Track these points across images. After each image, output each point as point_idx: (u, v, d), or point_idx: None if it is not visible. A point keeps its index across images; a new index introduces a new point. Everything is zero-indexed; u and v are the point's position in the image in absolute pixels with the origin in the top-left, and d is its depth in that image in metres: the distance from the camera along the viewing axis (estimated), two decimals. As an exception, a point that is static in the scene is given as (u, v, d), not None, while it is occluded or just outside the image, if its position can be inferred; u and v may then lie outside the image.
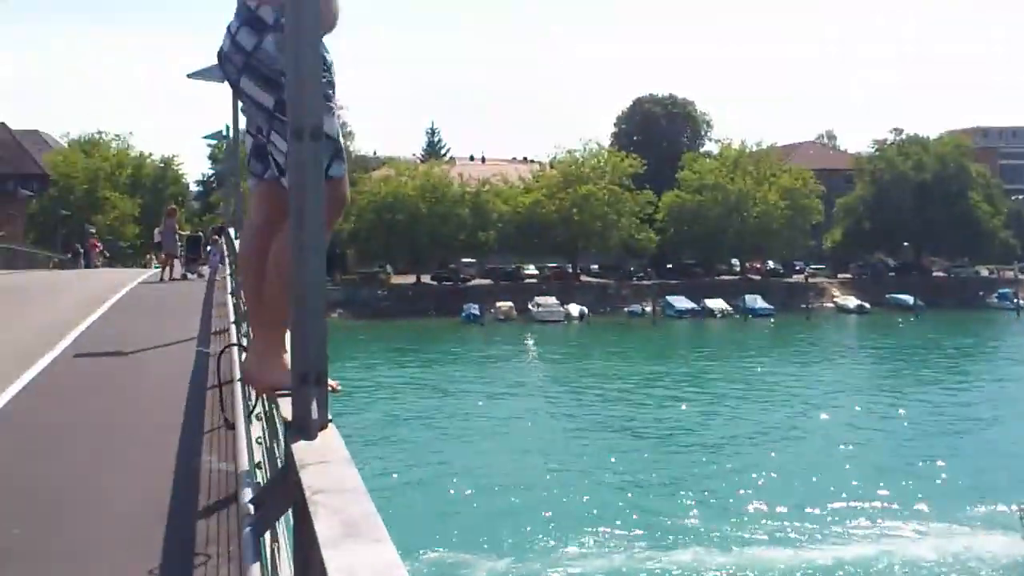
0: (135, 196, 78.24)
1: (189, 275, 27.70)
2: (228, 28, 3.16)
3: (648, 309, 74.20)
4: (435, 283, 79.03)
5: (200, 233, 32.80)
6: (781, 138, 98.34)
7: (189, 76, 17.98)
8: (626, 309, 75.39)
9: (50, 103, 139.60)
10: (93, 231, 44.51)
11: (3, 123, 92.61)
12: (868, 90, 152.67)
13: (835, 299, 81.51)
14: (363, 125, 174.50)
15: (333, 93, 3.23)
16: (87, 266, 42.60)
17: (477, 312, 69.88)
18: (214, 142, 46.13)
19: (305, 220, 2.18)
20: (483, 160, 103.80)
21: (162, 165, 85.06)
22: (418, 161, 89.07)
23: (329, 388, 2.27)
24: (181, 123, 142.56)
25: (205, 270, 28.55)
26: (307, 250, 2.21)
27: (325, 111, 2.95)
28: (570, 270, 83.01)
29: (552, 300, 72.72)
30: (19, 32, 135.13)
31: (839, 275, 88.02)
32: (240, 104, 3.27)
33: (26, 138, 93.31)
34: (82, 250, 49.44)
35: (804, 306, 76.12)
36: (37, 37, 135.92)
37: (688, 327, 70.08)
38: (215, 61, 3.31)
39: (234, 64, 3.15)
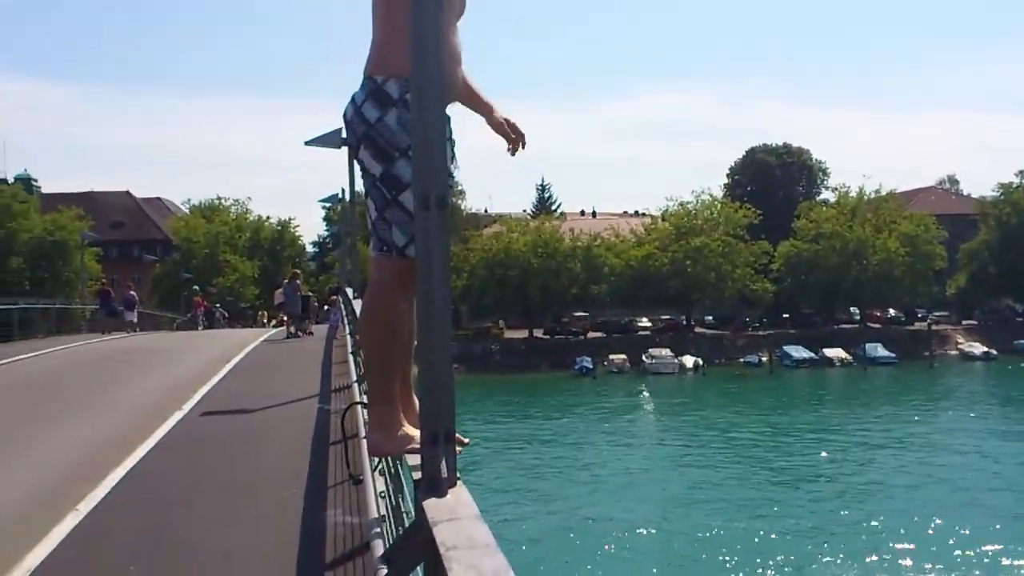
0: (254, 258, 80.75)
1: (299, 334, 28.38)
2: (353, 98, 3.31)
3: (764, 359, 72.85)
4: (547, 337, 79.12)
5: (309, 294, 33.66)
6: (901, 184, 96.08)
7: (307, 143, 18.70)
8: (742, 360, 74.17)
9: (172, 171, 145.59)
10: (196, 288, 45.63)
11: (127, 191, 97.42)
12: (991, 133, 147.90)
13: (960, 346, 78.71)
14: (474, 183, 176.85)
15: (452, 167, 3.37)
16: (202, 326, 43.91)
17: (590, 365, 69.64)
18: (330, 205, 47.49)
19: (432, 284, 2.27)
20: (594, 214, 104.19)
21: (279, 228, 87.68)
22: (529, 217, 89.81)
23: (457, 444, 2.34)
24: (298, 187, 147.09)
25: (312, 328, 29.55)
26: (433, 313, 2.29)
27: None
28: (684, 322, 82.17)
29: (666, 352, 72.01)
30: (141, 102, 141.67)
31: (964, 322, 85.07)
32: (360, 172, 3.42)
33: (149, 205, 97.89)
34: (206, 310, 51.31)
35: (927, 354, 73.66)
36: (158, 106, 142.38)
37: (806, 377, 68.45)
38: (328, 128, 3.48)
39: (355, 133, 3.29)
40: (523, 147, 3.53)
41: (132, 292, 39.20)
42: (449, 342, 2.31)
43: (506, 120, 3.47)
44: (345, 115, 3.35)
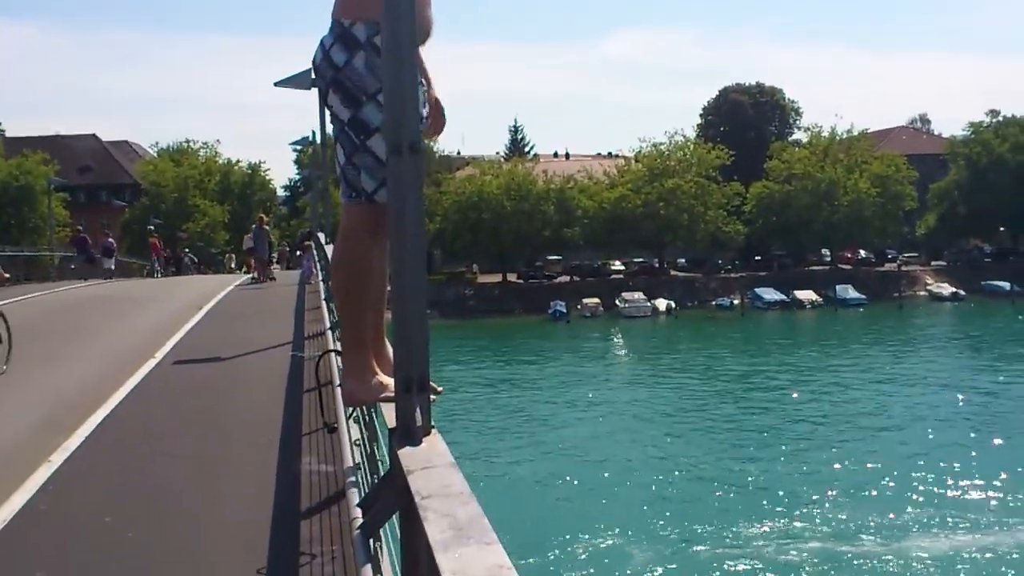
0: (224, 203, 79.92)
1: (262, 279, 28.43)
2: (322, 42, 3.25)
3: (736, 302, 73.33)
4: (521, 281, 79.19)
5: (271, 240, 33.48)
6: (873, 124, 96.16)
7: (276, 84, 18.38)
8: (714, 302, 74.58)
9: (139, 114, 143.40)
10: (151, 229, 44.18)
11: (94, 135, 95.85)
12: (963, 73, 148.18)
13: (929, 287, 79.39)
14: (447, 125, 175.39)
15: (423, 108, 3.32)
16: (160, 273, 43.02)
17: (563, 309, 69.85)
18: (300, 148, 47.03)
19: (405, 231, 2.24)
20: (567, 156, 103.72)
21: (249, 171, 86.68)
22: (502, 159, 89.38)
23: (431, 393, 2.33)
24: (267, 129, 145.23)
25: (275, 273, 29.85)
26: (407, 261, 2.27)
27: (380, 130, 3.05)
28: (657, 265, 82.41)
29: (639, 295, 72.31)
30: (106, 46, 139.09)
31: (933, 263, 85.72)
32: (329, 116, 3.38)
33: (117, 149, 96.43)
34: (172, 255, 50.80)
35: (897, 295, 74.36)
36: (124, 50, 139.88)
37: (777, 319, 69.05)
38: (298, 68, 3.43)
39: (324, 78, 3.24)
40: (438, 134, 3.52)
41: (110, 239, 38.84)
42: (423, 289, 2.29)
43: (436, 100, 3.43)
44: (314, 60, 3.29)
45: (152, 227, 47.52)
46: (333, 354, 6.39)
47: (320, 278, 17.08)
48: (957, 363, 47.59)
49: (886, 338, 56.48)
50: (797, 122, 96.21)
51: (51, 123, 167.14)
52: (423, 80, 3.28)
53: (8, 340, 11.00)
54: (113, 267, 36.99)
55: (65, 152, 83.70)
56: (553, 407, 38.40)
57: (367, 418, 4.70)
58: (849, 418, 34.65)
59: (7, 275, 27.04)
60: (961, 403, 36.88)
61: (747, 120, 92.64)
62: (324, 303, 12.63)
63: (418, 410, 2.27)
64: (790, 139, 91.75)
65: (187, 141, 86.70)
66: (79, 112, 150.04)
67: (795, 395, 39.74)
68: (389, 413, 2.63)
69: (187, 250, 57.18)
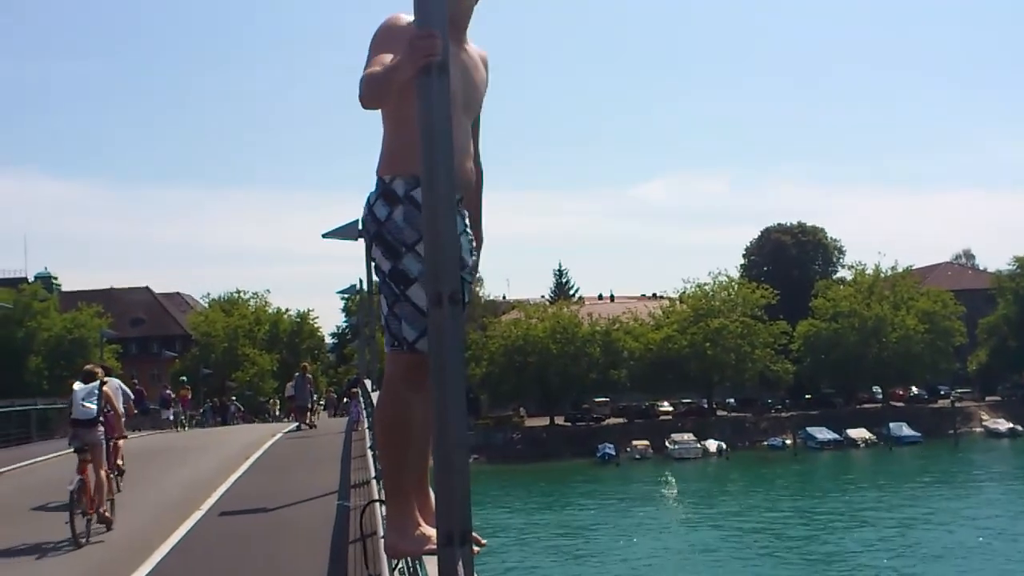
0: (272, 351, 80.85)
1: (301, 426, 28.70)
2: (368, 198, 3.35)
3: (788, 442, 72.00)
4: (569, 424, 78.50)
5: (311, 389, 33.74)
6: (916, 260, 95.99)
7: (324, 235, 18.82)
8: (766, 443, 73.28)
9: (192, 265, 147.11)
10: (184, 379, 43.83)
11: (147, 287, 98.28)
12: (1005, 207, 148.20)
13: (984, 423, 77.60)
14: (492, 269, 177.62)
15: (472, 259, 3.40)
16: (184, 425, 41.83)
17: (612, 452, 68.91)
18: (348, 296, 47.71)
19: (446, 381, 2.23)
20: (612, 298, 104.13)
21: (298, 320, 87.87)
22: (547, 303, 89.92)
23: (475, 548, 2.27)
24: (316, 278, 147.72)
25: (316, 421, 30.25)
26: (448, 410, 2.25)
27: (421, 279, 3.12)
28: (705, 405, 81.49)
29: (689, 436, 71.28)
30: (161, 197, 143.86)
31: (987, 398, 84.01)
32: (374, 268, 3.45)
33: (169, 300, 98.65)
34: (218, 405, 51.15)
35: (952, 432, 72.60)
36: (177, 204, 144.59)
37: (831, 459, 67.50)
38: (345, 220, 3.54)
39: (368, 232, 3.34)
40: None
41: (168, 391, 39.44)
42: (465, 440, 2.27)
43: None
44: (363, 215, 3.41)
45: (184, 378, 47.68)
46: (377, 504, 6.31)
47: (366, 425, 17.05)
48: (1020, 502, 45.99)
49: (944, 477, 54.90)
50: (840, 260, 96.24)
51: (106, 276, 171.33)
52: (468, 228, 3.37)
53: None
54: (172, 417, 37.50)
55: (118, 305, 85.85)
56: (605, 553, 37.47)
57: (411, 570, 4.59)
58: (912, 561, 33.43)
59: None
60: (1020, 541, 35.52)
61: (790, 259, 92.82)
62: (369, 451, 12.56)
63: (460, 563, 2.22)
64: (834, 277, 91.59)
65: (237, 291, 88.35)
66: (134, 265, 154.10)
67: (855, 538, 38.49)
68: (432, 566, 2.57)
69: (233, 399, 57.67)
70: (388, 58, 2.99)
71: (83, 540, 10.25)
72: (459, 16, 3.25)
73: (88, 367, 12.65)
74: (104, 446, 11.67)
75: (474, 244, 3.49)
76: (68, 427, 12.03)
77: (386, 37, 3.16)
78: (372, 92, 3.00)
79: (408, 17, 3.19)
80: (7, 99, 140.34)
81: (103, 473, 11.39)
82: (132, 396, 15.71)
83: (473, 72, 3.35)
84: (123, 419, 13.60)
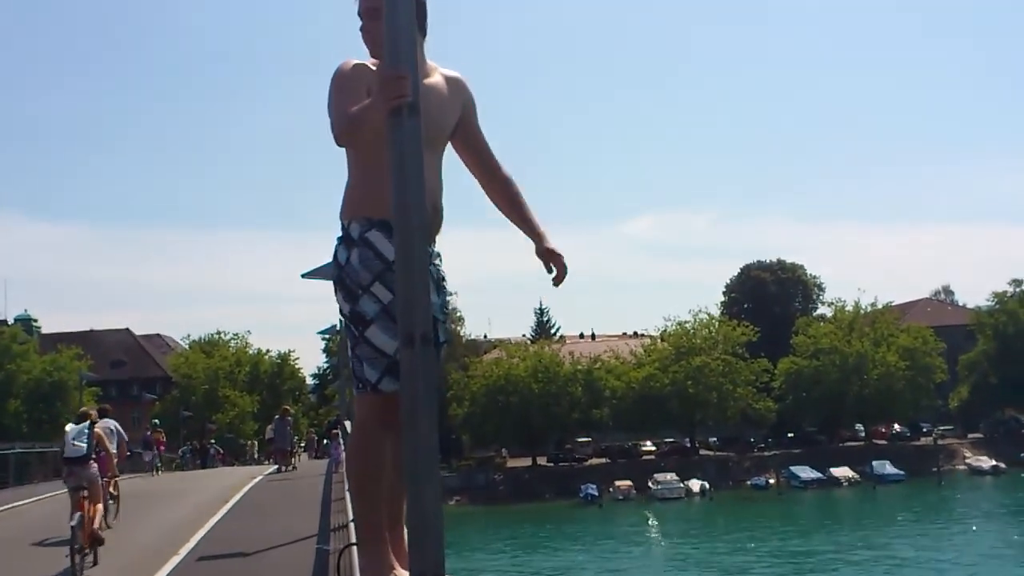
0: (253, 392, 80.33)
1: (282, 468, 28.90)
2: (335, 244, 3.36)
3: (772, 481, 71.86)
4: (551, 464, 78.18)
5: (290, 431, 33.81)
6: (896, 297, 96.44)
7: (303, 276, 18.75)
8: (749, 482, 73.12)
9: (172, 307, 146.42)
10: (156, 423, 43.66)
11: (127, 329, 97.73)
12: (983, 243, 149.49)
13: (968, 460, 77.73)
14: (473, 309, 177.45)
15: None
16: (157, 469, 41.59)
17: (595, 492, 68.58)
18: (328, 336, 47.48)
19: (418, 424, 2.21)
20: (593, 337, 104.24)
21: (279, 361, 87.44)
22: (528, 342, 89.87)
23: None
24: (296, 319, 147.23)
25: (296, 463, 31.20)
26: (420, 452, 2.23)
27: (378, 320, 3.14)
28: (688, 444, 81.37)
29: (672, 476, 71.05)
30: (141, 239, 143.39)
31: (969, 435, 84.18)
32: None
33: (149, 342, 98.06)
34: (198, 448, 50.68)
35: (935, 469, 72.60)
36: (158, 243, 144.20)
37: (815, 498, 67.36)
38: (324, 260, 3.57)
39: (333, 277, 3.35)
40: (563, 278, 3.56)
41: (149, 433, 39.08)
42: (437, 482, 2.25)
43: (550, 250, 3.50)
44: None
45: (156, 421, 47.25)
46: (355, 547, 6.24)
47: (345, 468, 16.92)
48: (1006, 540, 45.95)
49: (929, 516, 54.82)
50: (820, 297, 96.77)
51: (86, 318, 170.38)
52: None
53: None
54: (153, 459, 36.96)
55: (99, 347, 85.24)
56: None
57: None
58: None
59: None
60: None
61: (770, 296, 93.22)
62: (348, 494, 12.45)
63: (434, 608, 2.19)
64: (815, 314, 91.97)
65: (218, 332, 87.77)
66: (114, 306, 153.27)
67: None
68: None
69: (212, 441, 57.22)
70: (357, 96, 3.00)
71: (82, 571, 10.78)
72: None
73: (83, 409, 13.49)
74: (100, 483, 12.39)
75: (444, 283, 3.50)
76: (62, 466, 12.60)
77: (349, 78, 3.17)
78: (344, 132, 3.01)
79: (355, 61, 3.24)
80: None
81: (100, 507, 12.12)
82: (127, 437, 16.29)
83: (433, 99, 3.31)
84: (115, 459, 14.37)
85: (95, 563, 11.43)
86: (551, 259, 3.48)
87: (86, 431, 12.19)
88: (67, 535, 10.96)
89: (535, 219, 3.59)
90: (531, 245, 3.56)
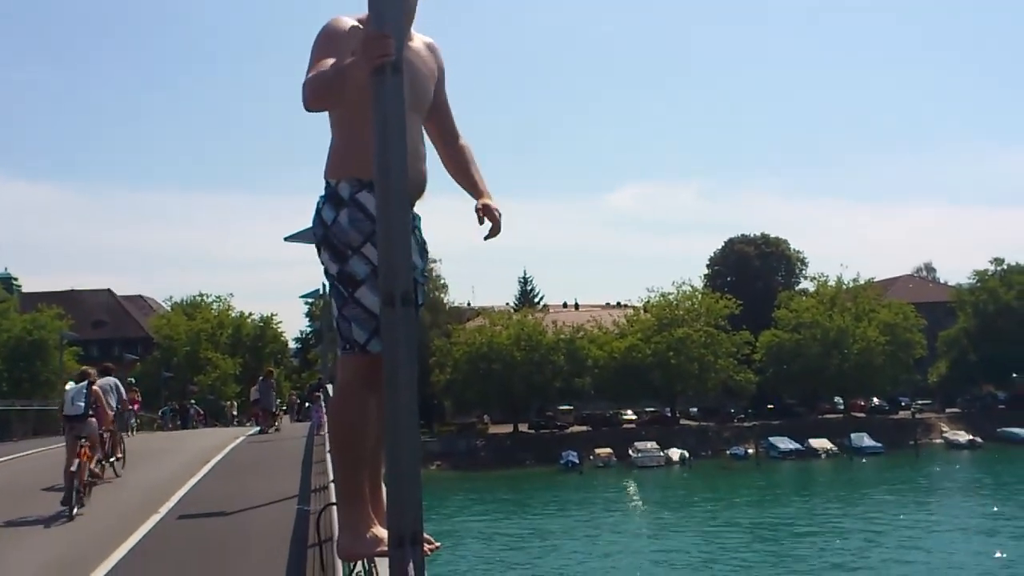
0: (236, 355, 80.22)
1: (267, 430, 28.97)
2: (317, 203, 3.34)
3: (751, 451, 72.43)
4: (533, 431, 78.55)
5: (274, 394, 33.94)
6: (878, 273, 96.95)
7: (286, 239, 18.69)
8: (728, 452, 73.65)
9: (154, 269, 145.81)
10: (132, 381, 43.22)
11: (109, 290, 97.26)
12: (965, 222, 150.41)
13: (945, 435, 78.46)
14: (457, 276, 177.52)
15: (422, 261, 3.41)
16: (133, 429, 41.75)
17: (576, 459, 69.00)
18: (311, 300, 47.43)
19: (398, 384, 2.23)
20: (576, 307, 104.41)
21: (261, 324, 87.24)
22: (512, 310, 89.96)
23: (427, 549, 2.28)
24: (279, 283, 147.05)
25: (280, 425, 31.24)
26: (400, 412, 2.25)
27: (368, 281, 3.12)
28: (669, 414, 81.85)
29: (652, 445, 71.52)
30: (122, 203, 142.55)
31: (947, 410, 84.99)
32: (323, 273, 3.43)
33: (131, 303, 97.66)
34: (178, 408, 50.57)
35: (913, 443, 73.30)
36: (140, 208, 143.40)
37: (793, 468, 67.96)
38: (307, 224, 3.52)
39: (316, 236, 3.33)
40: (495, 235, 3.50)
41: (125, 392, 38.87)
42: (417, 442, 2.27)
43: (486, 206, 3.45)
44: (312, 220, 3.39)
45: (132, 380, 46.82)
46: (334, 507, 6.28)
47: (326, 430, 16.97)
48: (981, 511, 46.53)
49: (906, 488, 55.40)
50: (803, 272, 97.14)
51: (67, 279, 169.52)
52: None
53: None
54: (127, 418, 36.87)
55: (79, 307, 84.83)
56: (566, 560, 37.48)
57: (367, 572, 4.58)
58: (873, 568, 33.71)
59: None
60: (990, 553, 35.92)
61: (754, 270, 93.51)
62: (329, 455, 12.51)
63: (411, 565, 2.22)
64: (797, 288, 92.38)
65: (200, 295, 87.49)
66: (95, 268, 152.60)
67: (818, 546, 38.76)
68: (385, 567, 2.57)
69: (193, 402, 57.11)
70: (331, 61, 2.97)
71: (76, 511, 11.97)
72: (406, 11, 3.22)
73: (82, 368, 15.02)
74: (97, 435, 13.81)
75: (425, 246, 3.50)
76: (63, 422, 13.76)
77: (329, 39, 3.14)
78: (318, 94, 2.97)
79: (350, 20, 3.19)
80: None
81: (96, 458, 13.82)
82: (130, 392, 18.51)
83: (420, 67, 3.32)
84: (111, 412, 15.37)
85: (82, 505, 12.40)
86: (487, 213, 3.42)
87: (84, 390, 13.40)
88: (59, 483, 12.19)
89: (482, 182, 3.58)
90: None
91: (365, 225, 3.15)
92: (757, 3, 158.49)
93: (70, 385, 13.78)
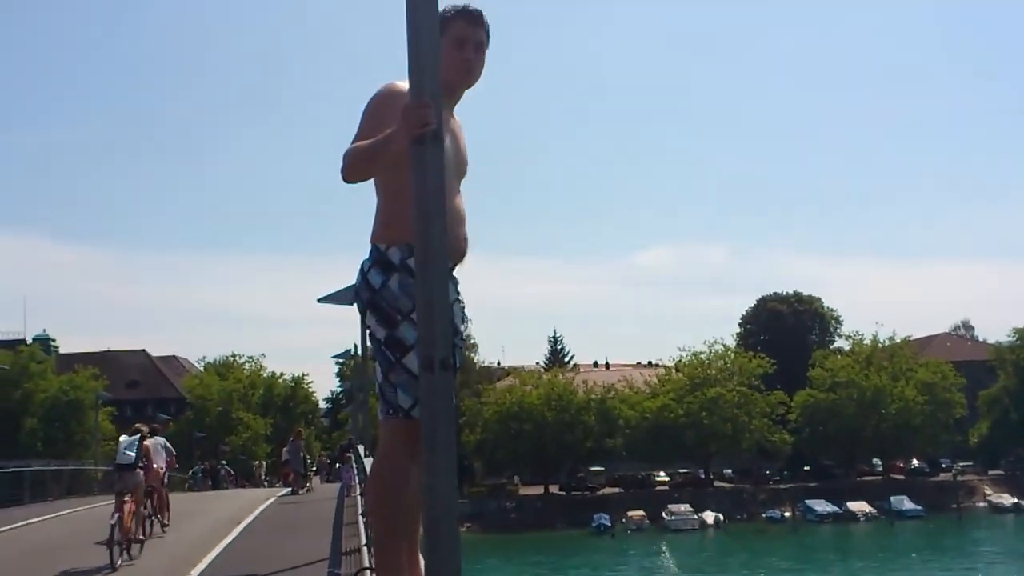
0: (267, 415, 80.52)
1: (298, 491, 28.90)
2: (361, 266, 3.37)
3: (787, 514, 71.29)
4: (564, 493, 77.83)
5: (305, 455, 34.17)
6: (915, 331, 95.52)
7: (319, 300, 18.86)
8: (764, 515, 72.57)
9: (188, 329, 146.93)
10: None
11: (144, 350, 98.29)
12: (1004, 279, 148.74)
13: (988, 497, 76.96)
14: (486, 336, 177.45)
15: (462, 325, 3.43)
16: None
17: (608, 522, 68.21)
18: (342, 360, 47.55)
19: (437, 449, 2.22)
20: (607, 366, 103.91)
21: (292, 384, 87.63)
22: (542, 370, 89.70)
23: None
24: (311, 343, 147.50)
25: (312, 485, 31.57)
26: (439, 476, 2.24)
27: (416, 347, 3.12)
28: (702, 476, 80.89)
29: (686, 507, 70.58)
30: (158, 261, 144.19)
31: (990, 471, 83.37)
32: (368, 336, 3.45)
33: (165, 364, 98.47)
34: (209, 468, 50.72)
35: (955, 506, 71.90)
36: (175, 268, 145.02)
37: (831, 532, 66.78)
38: (340, 285, 3.57)
39: (362, 299, 3.35)
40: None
41: None
42: (455, 507, 2.26)
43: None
44: (355, 285, 3.43)
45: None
46: (368, 572, 6.24)
47: (358, 491, 16.90)
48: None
49: (949, 552, 54.24)
50: (838, 330, 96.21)
51: (104, 339, 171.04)
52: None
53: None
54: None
55: (115, 367, 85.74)
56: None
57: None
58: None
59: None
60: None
61: (787, 329, 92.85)
62: (361, 518, 12.43)
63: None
64: (832, 347, 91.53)
65: (233, 355, 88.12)
66: (131, 328, 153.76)
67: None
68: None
69: (223, 462, 57.25)
70: (375, 130, 3.02)
71: (119, 563, 12.30)
72: (456, 86, 3.30)
73: (136, 424, 15.71)
74: (143, 488, 14.39)
75: (464, 309, 3.52)
76: (113, 472, 14.83)
77: (380, 107, 3.21)
78: (355, 168, 3.04)
79: (404, 85, 3.25)
80: (10, 164, 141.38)
81: (141, 510, 14.24)
82: (175, 453, 18.23)
83: (460, 138, 3.41)
84: (163, 472, 16.41)
85: (130, 559, 12.81)
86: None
87: (136, 443, 14.13)
88: (98, 539, 12.60)
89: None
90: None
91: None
92: (787, 62, 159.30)
93: (123, 437, 14.51)
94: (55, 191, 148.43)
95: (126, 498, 13.32)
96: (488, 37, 3.39)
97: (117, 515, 12.77)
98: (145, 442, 14.52)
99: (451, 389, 2.26)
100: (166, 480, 17.80)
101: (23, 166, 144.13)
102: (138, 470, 13.92)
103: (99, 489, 35.94)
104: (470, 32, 3.34)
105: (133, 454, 13.85)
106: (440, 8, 3.06)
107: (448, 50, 3.22)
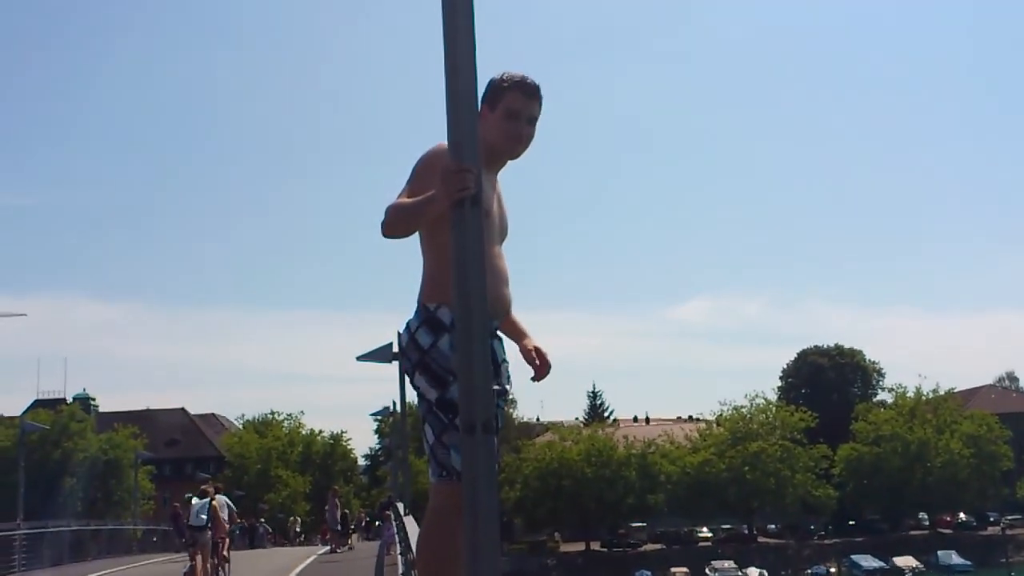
0: (306, 473, 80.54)
1: (337, 549, 29.19)
2: (407, 325, 3.37)
3: (833, 570, 69.98)
4: (605, 550, 76.91)
5: (346, 512, 34.58)
6: (959, 383, 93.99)
7: (359, 359, 19.02)
8: (809, 571, 71.28)
9: (227, 387, 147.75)
10: (189, 496, 43.83)
11: (183, 409, 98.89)
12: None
13: (1038, 552, 75.19)
14: (525, 392, 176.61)
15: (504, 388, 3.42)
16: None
17: (650, 580, 67.31)
18: (380, 417, 47.60)
19: (479, 513, 2.21)
20: (647, 421, 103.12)
21: (331, 441, 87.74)
22: (581, 425, 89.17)
23: None
24: (349, 400, 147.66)
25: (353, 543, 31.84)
26: (482, 543, 2.23)
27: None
28: (746, 531, 79.66)
29: (729, 564, 69.42)
30: (196, 322, 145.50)
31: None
32: (416, 397, 3.44)
33: (204, 422, 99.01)
34: (247, 527, 50.59)
35: (1004, 560, 70.24)
36: (213, 325, 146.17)
37: (878, 589, 65.41)
38: (378, 343, 3.58)
39: (410, 359, 3.34)
40: (546, 375, 3.59)
41: (180, 507, 39.23)
42: (499, 569, 2.24)
43: (536, 348, 3.53)
44: (400, 342, 3.44)
45: (189, 495, 47.25)
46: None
47: (399, 550, 16.77)
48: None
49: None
50: (880, 383, 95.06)
51: (143, 397, 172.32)
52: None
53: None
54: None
55: (154, 426, 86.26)
56: None
57: None
58: None
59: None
60: None
61: (828, 382, 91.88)
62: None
63: None
64: (875, 400, 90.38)
65: (272, 413, 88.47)
66: (170, 386, 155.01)
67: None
68: None
69: (262, 520, 57.17)
70: (422, 190, 3.06)
71: None
72: (502, 154, 3.34)
73: (204, 487, 17.90)
74: (210, 545, 16.48)
75: (509, 374, 3.52)
76: (187, 531, 17.11)
77: (431, 166, 3.24)
78: (396, 223, 3.06)
79: None
80: (50, 223, 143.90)
81: (208, 564, 16.38)
82: (235, 508, 20.68)
83: (502, 200, 3.43)
84: (226, 525, 18.13)
85: None
86: (539, 355, 3.51)
87: (207, 505, 16.17)
88: None
89: (520, 320, 3.68)
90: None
91: None
92: (825, 113, 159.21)
93: (195, 500, 16.60)
94: (95, 250, 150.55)
95: (197, 553, 15.83)
96: (540, 109, 3.42)
97: (190, 565, 15.58)
98: (213, 502, 16.54)
99: (493, 451, 2.26)
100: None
101: (62, 226, 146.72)
102: (208, 530, 16.04)
103: (138, 548, 36.00)
104: (524, 105, 3.37)
105: (205, 516, 15.98)
106: (499, 76, 3.15)
107: (500, 119, 3.27)
